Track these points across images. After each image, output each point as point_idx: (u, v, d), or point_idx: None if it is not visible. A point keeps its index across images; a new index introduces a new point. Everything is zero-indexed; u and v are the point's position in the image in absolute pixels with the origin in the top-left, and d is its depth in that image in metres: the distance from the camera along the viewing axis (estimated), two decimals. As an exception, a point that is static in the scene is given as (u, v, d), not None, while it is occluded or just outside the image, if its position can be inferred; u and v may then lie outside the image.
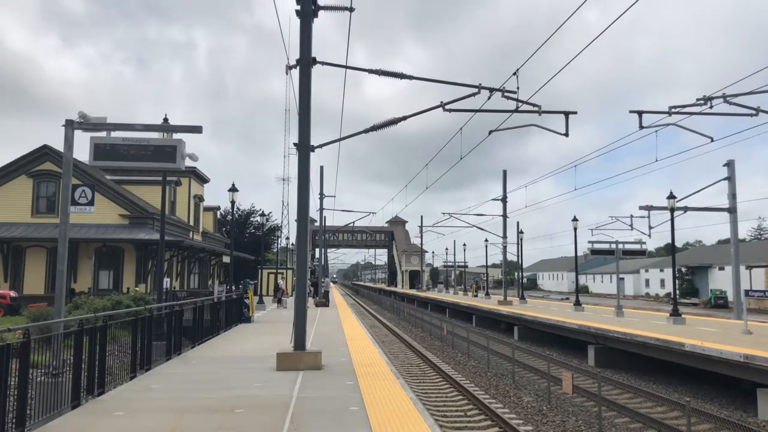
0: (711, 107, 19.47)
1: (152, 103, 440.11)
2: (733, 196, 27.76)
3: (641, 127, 19.50)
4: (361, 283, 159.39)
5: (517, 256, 51.79)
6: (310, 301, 33.46)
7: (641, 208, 29.19)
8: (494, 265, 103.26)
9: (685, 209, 29.06)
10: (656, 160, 24.91)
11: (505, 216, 40.38)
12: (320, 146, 13.45)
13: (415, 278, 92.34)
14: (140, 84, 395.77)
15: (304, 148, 12.64)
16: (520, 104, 14.97)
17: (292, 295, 30.41)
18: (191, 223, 46.33)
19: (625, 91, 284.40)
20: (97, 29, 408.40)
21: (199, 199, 49.59)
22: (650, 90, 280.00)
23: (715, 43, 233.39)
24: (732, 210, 27.88)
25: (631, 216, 30.96)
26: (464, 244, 78.40)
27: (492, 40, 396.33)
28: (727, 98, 19.42)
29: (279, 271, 47.48)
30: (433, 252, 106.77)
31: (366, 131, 13.73)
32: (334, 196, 55.77)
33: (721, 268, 69.29)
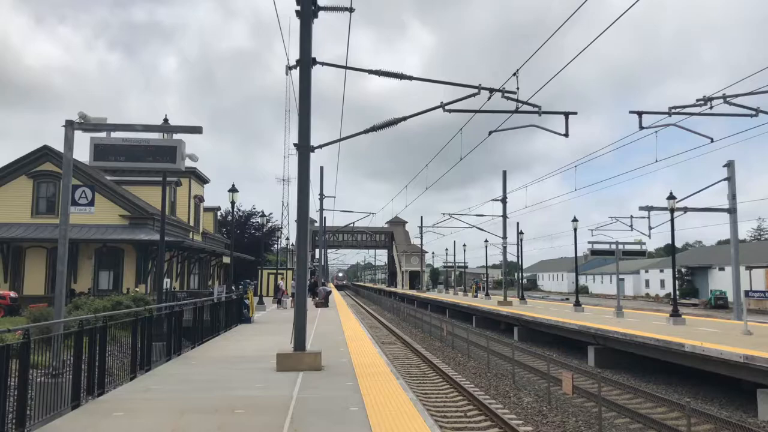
0: (711, 108, 19.49)
1: (141, 93, 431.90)
2: (733, 196, 27.78)
3: (641, 127, 19.53)
4: (361, 283, 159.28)
5: (517, 257, 51.87)
6: (310, 301, 33.45)
7: (641, 208, 29.26)
8: (494, 266, 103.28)
9: (685, 210, 29.09)
10: (656, 161, 24.96)
11: (505, 216, 40.41)
12: (320, 146, 13.46)
13: (415, 279, 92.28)
14: (128, 72, 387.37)
15: (304, 148, 12.64)
16: (520, 105, 15.00)
17: (291, 296, 30.43)
18: (191, 223, 46.34)
19: (645, 79, 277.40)
20: (77, 11, 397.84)
21: (200, 199, 49.60)
22: (672, 77, 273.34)
23: (737, 30, 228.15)
24: (732, 210, 27.90)
25: (631, 216, 31.02)
26: (464, 245, 78.39)
27: (505, 21, 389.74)
28: (727, 99, 19.43)
29: (279, 271, 47.49)
30: (433, 252, 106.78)
31: (366, 131, 13.74)
32: (334, 197, 55.87)
33: (721, 269, 69.29)
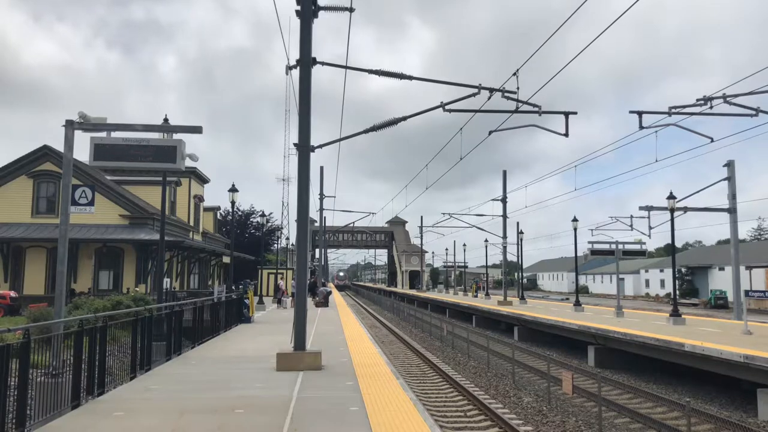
0: (711, 107, 19.49)
1: (140, 92, 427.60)
2: (733, 196, 27.78)
3: (641, 127, 19.53)
4: (361, 283, 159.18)
5: (517, 257, 51.88)
6: (310, 301, 33.45)
7: (641, 208, 29.26)
8: (494, 266, 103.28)
9: (685, 209, 29.09)
10: (656, 161, 24.93)
11: (505, 216, 40.41)
12: (320, 146, 13.47)
13: (415, 278, 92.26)
14: (127, 71, 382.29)
15: (304, 148, 12.64)
16: (520, 104, 15.00)
17: (291, 296, 30.45)
18: (191, 223, 46.35)
19: (646, 78, 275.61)
20: (75, 9, 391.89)
21: (199, 199, 49.60)
22: (673, 76, 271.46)
23: (739, 30, 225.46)
24: (732, 210, 27.90)
25: (631, 216, 31.02)
26: (464, 245, 78.33)
27: (505, 21, 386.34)
28: (727, 98, 19.43)
29: (279, 271, 47.48)
30: (433, 252, 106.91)
31: (366, 131, 13.75)
32: (334, 197, 55.84)
33: (721, 269, 69.29)
